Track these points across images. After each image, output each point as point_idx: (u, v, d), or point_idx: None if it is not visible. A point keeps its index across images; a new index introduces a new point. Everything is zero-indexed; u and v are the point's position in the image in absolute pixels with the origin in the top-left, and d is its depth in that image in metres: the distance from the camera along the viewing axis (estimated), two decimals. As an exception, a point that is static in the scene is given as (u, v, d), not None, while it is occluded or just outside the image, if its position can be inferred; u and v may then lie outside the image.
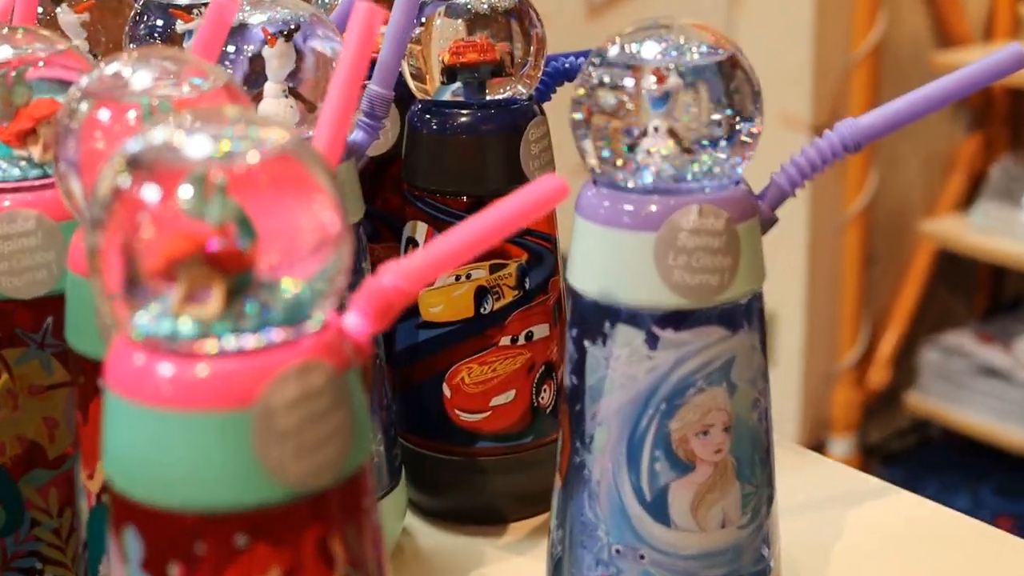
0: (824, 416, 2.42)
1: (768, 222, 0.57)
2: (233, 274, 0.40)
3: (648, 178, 0.54)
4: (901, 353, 2.45)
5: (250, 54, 0.63)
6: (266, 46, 0.63)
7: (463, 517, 0.74)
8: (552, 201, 0.47)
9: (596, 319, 0.56)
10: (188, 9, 0.72)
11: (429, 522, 0.75)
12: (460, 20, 0.69)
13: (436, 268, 0.45)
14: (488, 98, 0.70)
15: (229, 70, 0.62)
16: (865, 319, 2.39)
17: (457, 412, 0.72)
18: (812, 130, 2.22)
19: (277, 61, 0.63)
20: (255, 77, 0.63)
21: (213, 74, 0.51)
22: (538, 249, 0.71)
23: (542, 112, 0.71)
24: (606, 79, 0.55)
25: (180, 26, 0.73)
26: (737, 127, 0.55)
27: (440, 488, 0.74)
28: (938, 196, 2.43)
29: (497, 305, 0.70)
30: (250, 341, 0.40)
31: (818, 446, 2.42)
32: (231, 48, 0.62)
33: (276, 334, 0.40)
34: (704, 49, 0.55)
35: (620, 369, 0.55)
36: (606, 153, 0.55)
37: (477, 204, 0.69)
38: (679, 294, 0.54)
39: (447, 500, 0.74)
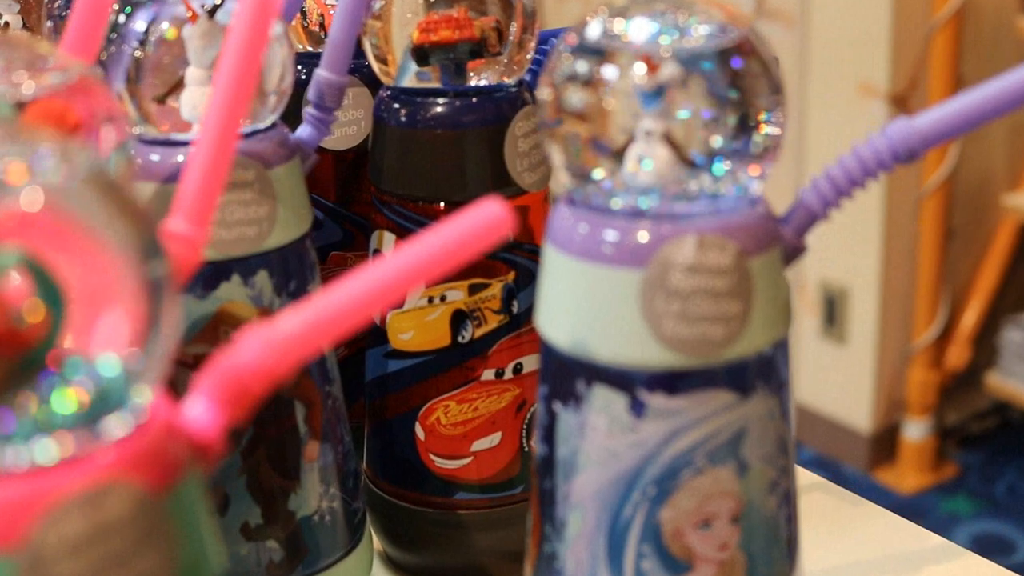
0: (899, 397, 2.31)
1: (793, 251, 0.45)
2: (11, 359, 0.29)
3: (637, 198, 0.42)
4: (981, 332, 2.32)
5: (166, 33, 0.51)
6: (187, 24, 0.51)
7: (442, 576, 0.63)
8: (490, 235, 0.36)
9: (568, 376, 0.44)
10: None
11: (405, 579, 0.64)
12: (430, -10, 0.57)
13: (319, 335, 0.33)
14: (469, 85, 0.57)
15: (139, 51, 0.51)
16: (943, 296, 2.26)
17: (432, 457, 0.60)
18: (890, 100, 2.08)
19: (200, 41, 0.51)
20: (174, 61, 0.51)
21: (71, 68, 0.40)
22: (528, 265, 0.59)
23: (534, 100, 0.59)
24: (580, 69, 0.43)
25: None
26: (753, 131, 0.42)
27: (415, 543, 0.63)
28: (1023, 168, 2.28)
29: (478, 332, 0.58)
30: (23, 455, 0.28)
31: (892, 428, 2.31)
32: (140, 26, 0.51)
33: (63, 443, 0.29)
34: (711, 29, 0.43)
35: (598, 441, 0.43)
36: (580, 166, 0.43)
37: (454, 212, 0.57)
38: (672, 349, 0.41)
39: (423, 557, 0.63)
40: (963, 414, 2.43)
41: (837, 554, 0.65)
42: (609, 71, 0.42)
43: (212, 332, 0.52)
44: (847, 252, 2.24)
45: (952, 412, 2.40)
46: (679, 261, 0.41)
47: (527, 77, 0.60)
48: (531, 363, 0.60)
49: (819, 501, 0.70)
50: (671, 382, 0.42)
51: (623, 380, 0.42)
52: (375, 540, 0.64)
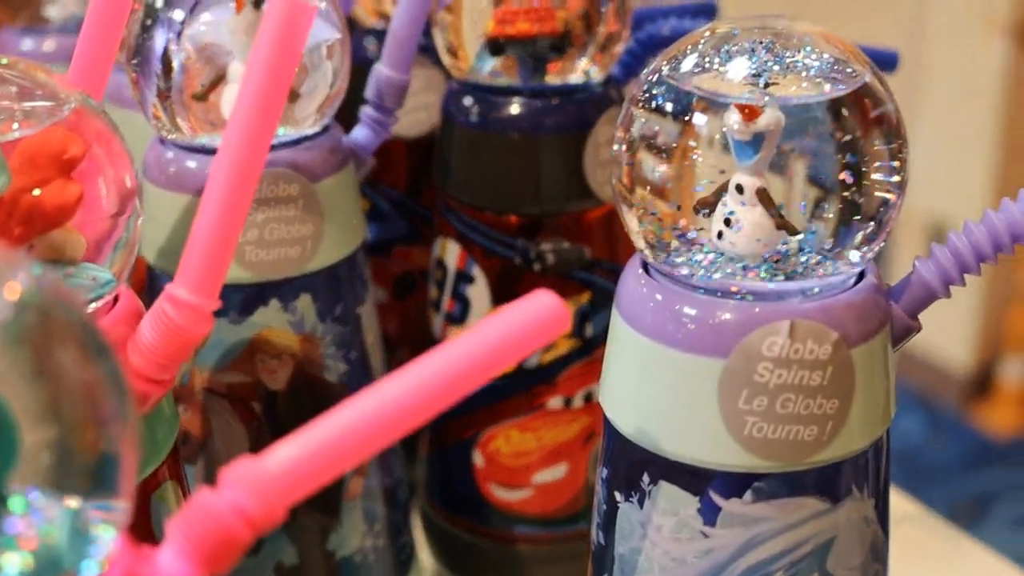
0: (998, 335, 2.23)
1: (905, 332, 0.38)
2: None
3: (722, 270, 0.36)
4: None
5: (208, 25, 0.45)
6: (232, 14, 0.45)
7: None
8: (543, 337, 0.30)
9: (633, 466, 0.38)
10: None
11: (460, 606, 0.59)
12: (509, -23, 0.50)
13: (325, 469, 0.28)
14: (549, 82, 0.51)
15: (176, 44, 0.45)
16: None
17: (491, 487, 0.55)
18: (1014, 34, 1.97)
19: (245, 35, 0.45)
20: (216, 55, 0.46)
21: (65, 99, 0.34)
22: (605, 285, 0.52)
23: (621, 99, 0.52)
24: (656, 126, 0.36)
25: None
26: (866, 192, 0.36)
27: (470, 572, 0.57)
28: None
29: (547, 357, 0.53)
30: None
31: (990, 367, 2.24)
32: (178, 16, 0.45)
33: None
34: (822, 69, 0.36)
35: (662, 545, 0.37)
36: (657, 233, 0.37)
37: (527, 226, 0.51)
38: (753, 452, 0.35)
39: (479, 586, 0.58)
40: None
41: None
42: (699, 119, 0.36)
43: (248, 361, 0.47)
44: (955, 182, 2.16)
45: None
46: (768, 352, 0.35)
47: (616, 71, 0.53)
48: (604, 392, 0.54)
49: (912, 536, 0.64)
50: (751, 486, 0.36)
51: (695, 480, 0.37)
52: (434, 564, 0.59)
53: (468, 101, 0.52)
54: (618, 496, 0.38)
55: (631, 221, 0.37)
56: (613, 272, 0.52)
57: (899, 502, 0.67)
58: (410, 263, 0.61)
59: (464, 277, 0.53)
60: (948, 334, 2.26)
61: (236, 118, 0.33)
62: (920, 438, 2.21)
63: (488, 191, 0.51)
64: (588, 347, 0.53)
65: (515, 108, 0.51)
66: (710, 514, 0.36)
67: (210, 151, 0.46)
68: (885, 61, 0.54)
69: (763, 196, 0.36)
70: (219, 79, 0.46)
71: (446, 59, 0.52)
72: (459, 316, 0.53)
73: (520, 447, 0.54)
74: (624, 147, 0.37)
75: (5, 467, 0.24)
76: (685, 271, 0.36)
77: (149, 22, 0.45)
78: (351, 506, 0.49)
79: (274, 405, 0.47)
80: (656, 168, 0.36)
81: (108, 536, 0.25)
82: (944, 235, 0.38)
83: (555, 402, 0.53)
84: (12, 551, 0.24)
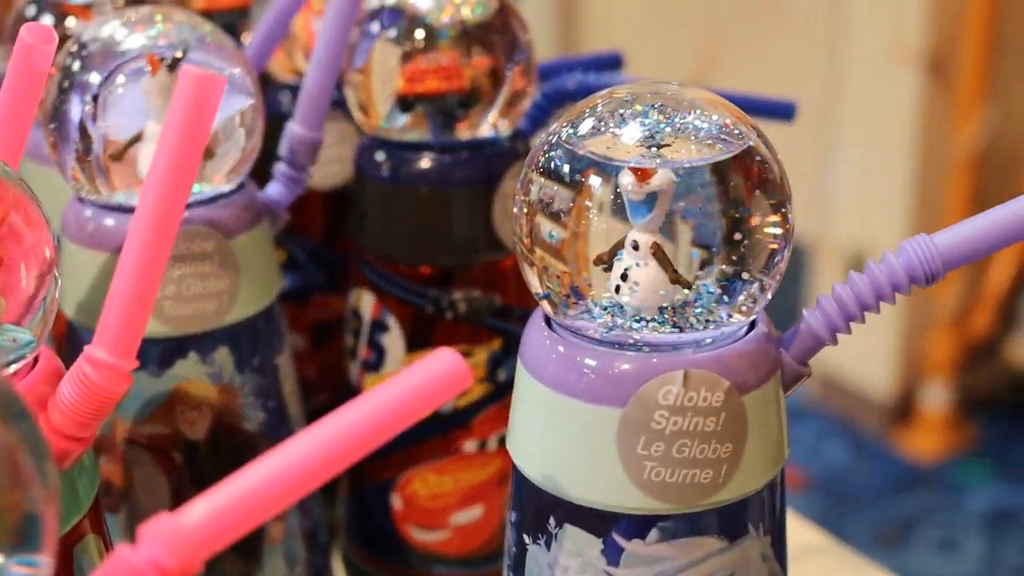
0: (919, 361, 2.27)
1: (794, 378, 0.40)
2: None
3: (620, 323, 0.38)
4: (1005, 300, 2.28)
5: (123, 87, 0.47)
6: (146, 77, 0.47)
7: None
8: (446, 396, 0.32)
9: (539, 510, 0.39)
10: (87, 8, 0.56)
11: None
12: (416, 36, 0.52)
13: (240, 523, 0.29)
14: (458, 137, 0.53)
15: (92, 106, 0.46)
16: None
17: (409, 528, 0.56)
18: (925, 66, 2.02)
19: (160, 96, 0.47)
20: (131, 115, 0.47)
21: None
22: (516, 332, 0.54)
23: (527, 154, 0.54)
24: (550, 191, 0.38)
25: (75, 26, 0.57)
26: (753, 248, 0.38)
27: (391, 613, 0.59)
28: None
29: (461, 402, 0.54)
30: None
31: (911, 394, 2.28)
32: (94, 79, 0.46)
33: None
34: (712, 131, 0.38)
35: None
36: (556, 290, 0.38)
37: (439, 276, 0.53)
38: (652, 496, 0.37)
39: (400, 626, 0.59)
40: (984, 382, 2.39)
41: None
42: (593, 181, 0.37)
43: (168, 412, 0.48)
44: (873, 211, 2.20)
45: (973, 380, 2.36)
46: (663, 401, 0.37)
47: (524, 125, 0.55)
48: (517, 435, 0.55)
49: (830, 568, 0.67)
50: (651, 528, 0.38)
51: (598, 522, 0.38)
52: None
53: (380, 156, 0.53)
54: (527, 539, 0.40)
55: (532, 279, 0.39)
56: (524, 319, 0.53)
57: (807, 532, 0.69)
58: (327, 311, 0.63)
59: (379, 326, 0.54)
60: (870, 361, 2.30)
61: (150, 184, 0.34)
62: (844, 464, 2.24)
63: (400, 243, 0.53)
64: (500, 392, 0.55)
65: (425, 163, 0.52)
66: (613, 555, 0.38)
67: (127, 209, 0.47)
68: (782, 111, 0.56)
69: (658, 252, 0.37)
70: (135, 139, 0.47)
71: (357, 116, 0.53)
72: (375, 363, 0.55)
73: (437, 489, 0.55)
74: (524, 209, 0.38)
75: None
76: (584, 325, 0.38)
77: (66, 84, 0.46)
78: (272, 551, 0.51)
79: (195, 455, 0.49)
80: (553, 230, 0.38)
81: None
82: (863, 263, 0.39)
83: (470, 445, 0.55)
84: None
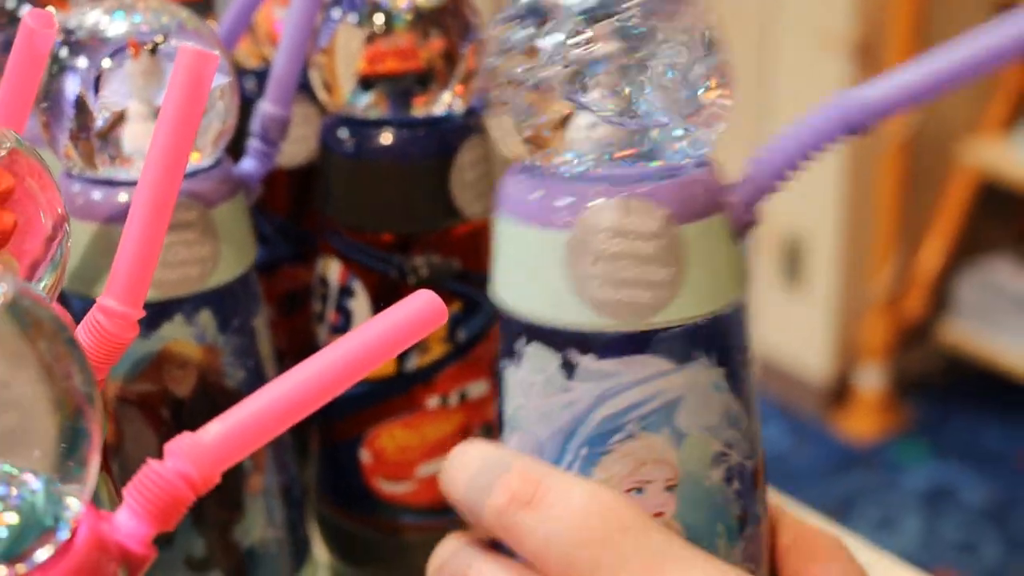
0: (854, 345, 2.32)
1: (744, 224, 0.44)
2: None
3: (581, 163, 0.42)
4: (938, 282, 2.34)
5: (108, 68, 0.51)
6: (129, 60, 0.51)
7: (389, 594, 0.64)
8: (427, 327, 0.36)
9: (511, 335, 0.44)
10: (61, -4, 0.60)
11: (353, 595, 0.64)
12: (376, 21, 0.56)
13: (250, 440, 0.33)
14: (416, 114, 0.57)
15: (81, 88, 0.50)
16: (900, 245, 2.26)
17: (378, 481, 0.60)
18: (853, 52, 2.08)
19: (143, 79, 0.51)
20: (117, 95, 0.51)
21: (1, 140, 0.39)
22: (473, 295, 0.59)
23: (481, 129, 0.59)
24: (516, 35, 0.42)
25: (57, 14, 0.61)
26: (696, 90, 0.42)
27: (363, 564, 0.63)
28: (981, 118, 2.28)
29: (424, 361, 0.59)
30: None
31: (847, 376, 2.33)
32: (82, 63, 0.50)
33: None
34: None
35: (535, 400, 0.43)
36: (524, 137, 0.42)
37: (401, 243, 0.57)
38: (598, 312, 0.41)
39: (370, 575, 0.63)
40: (917, 363, 2.45)
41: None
42: (551, 38, 0.41)
43: (156, 371, 0.52)
44: (807, 201, 2.25)
45: (907, 361, 2.41)
46: (603, 224, 0.41)
47: (476, 103, 0.59)
48: (476, 390, 0.60)
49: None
50: (600, 345, 0.42)
51: (556, 340, 0.42)
52: (326, 555, 0.64)
53: (343, 133, 0.57)
54: (503, 363, 0.44)
55: (499, 128, 0.43)
56: (482, 283, 0.58)
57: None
58: (295, 282, 0.67)
59: (346, 291, 0.58)
60: (806, 345, 2.35)
61: (153, 153, 0.38)
62: (783, 446, 2.29)
63: (364, 213, 0.57)
64: (460, 350, 0.59)
65: (386, 138, 0.57)
66: (569, 370, 0.42)
67: (112, 183, 0.51)
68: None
69: (616, 94, 0.41)
70: (119, 118, 0.51)
71: (322, 95, 0.58)
72: (342, 327, 0.59)
73: (403, 443, 0.59)
74: (492, 65, 0.42)
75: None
76: (551, 167, 0.42)
77: (56, 69, 0.50)
78: (253, 499, 0.55)
79: (180, 411, 0.53)
80: (521, 81, 0.42)
81: (76, 502, 0.31)
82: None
83: (433, 401, 0.59)
84: (2, 514, 0.29)
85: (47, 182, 0.40)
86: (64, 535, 0.30)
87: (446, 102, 0.57)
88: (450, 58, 0.56)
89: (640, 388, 0.42)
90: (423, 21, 0.56)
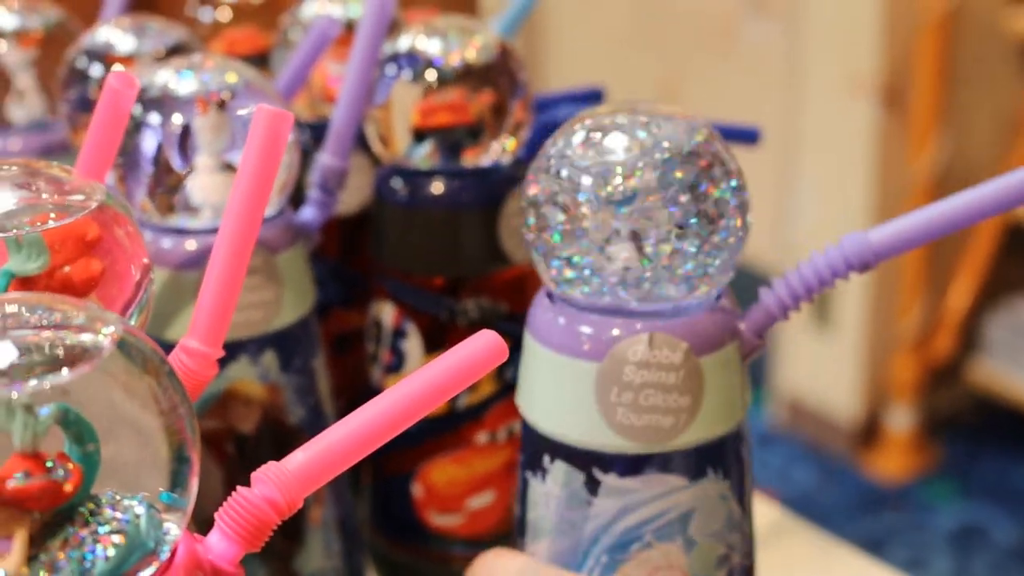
0: (884, 385, 2.33)
1: (752, 348, 0.48)
2: (45, 511, 0.32)
3: (608, 296, 0.46)
4: (967, 322, 2.35)
5: (179, 125, 0.54)
6: (198, 116, 0.54)
7: (440, 622, 0.66)
8: (489, 364, 0.39)
9: (538, 450, 0.48)
10: (129, 58, 0.63)
11: (404, 624, 0.67)
12: (429, 76, 0.59)
13: (329, 468, 0.36)
14: (466, 164, 0.60)
15: (152, 143, 0.53)
16: (929, 285, 2.28)
17: (429, 514, 0.63)
18: (881, 96, 2.10)
19: (211, 133, 0.54)
20: (186, 151, 0.54)
21: (91, 192, 0.43)
22: (520, 335, 0.61)
23: (527, 178, 0.62)
24: (553, 186, 0.46)
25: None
26: (715, 231, 0.46)
27: (413, 593, 0.66)
28: (1007, 156, 2.30)
29: (473, 399, 0.62)
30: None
31: (876, 416, 2.33)
32: (155, 119, 0.53)
33: (99, 588, 0.32)
34: (674, 135, 0.46)
35: (558, 511, 0.48)
36: (560, 270, 0.46)
37: (451, 287, 0.60)
38: (623, 436, 0.46)
39: (421, 605, 0.66)
40: (947, 403, 2.45)
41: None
42: (583, 187, 0.45)
43: (222, 409, 0.55)
44: (834, 242, 2.26)
45: (937, 401, 2.42)
46: (631, 357, 0.45)
47: (523, 152, 0.62)
48: (523, 427, 0.63)
49: (798, 545, 0.74)
50: (622, 465, 0.46)
51: (581, 459, 0.47)
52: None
53: (397, 183, 0.61)
54: (528, 474, 0.49)
55: (539, 262, 0.47)
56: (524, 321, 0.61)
57: (772, 513, 0.76)
58: (345, 325, 0.70)
59: (399, 333, 0.61)
60: (835, 386, 2.36)
61: (233, 204, 0.41)
62: (812, 486, 2.30)
63: (417, 258, 0.61)
64: (508, 389, 0.62)
65: (437, 187, 0.60)
66: (593, 486, 0.47)
67: (181, 231, 0.54)
68: (747, 136, 0.64)
69: (635, 237, 0.45)
70: (189, 171, 0.54)
71: (378, 147, 0.61)
72: (396, 367, 0.62)
73: (454, 477, 0.62)
74: (530, 203, 0.47)
75: (92, 472, 0.32)
76: (579, 297, 0.46)
77: (131, 126, 0.53)
78: (313, 530, 0.58)
79: (244, 446, 0.56)
80: (556, 219, 0.46)
81: (175, 527, 0.34)
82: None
83: (482, 437, 0.62)
84: (109, 535, 0.32)
85: (133, 231, 0.43)
86: (164, 555, 0.33)
87: (494, 153, 0.60)
88: (499, 111, 0.59)
89: (657, 503, 0.47)
90: (473, 77, 0.59)
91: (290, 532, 0.57)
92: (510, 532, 0.64)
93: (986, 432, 2.46)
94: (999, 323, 2.34)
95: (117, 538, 0.32)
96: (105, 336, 0.32)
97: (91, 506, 0.32)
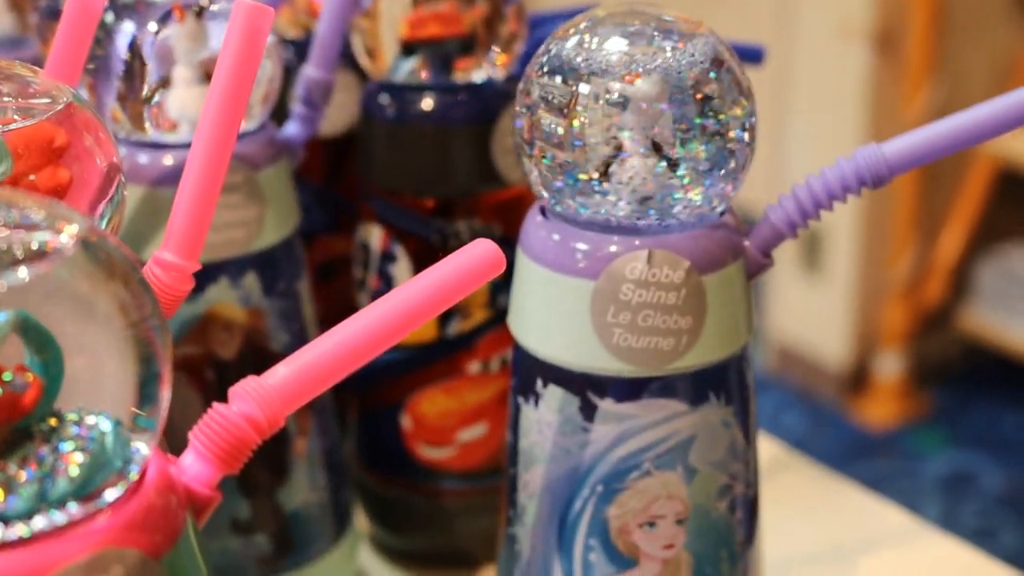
0: (874, 332, 2.31)
1: (758, 267, 0.45)
2: (2, 426, 0.29)
3: (606, 210, 0.43)
4: (957, 269, 2.33)
5: (154, 33, 0.51)
6: (174, 23, 0.51)
7: (429, 559, 0.64)
8: (485, 275, 0.36)
9: (530, 374, 0.46)
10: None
11: (393, 561, 0.64)
12: (419, -15, 0.56)
13: (313, 384, 0.33)
14: (457, 79, 0.57)
15: (127, 53, 0.50)
16: (920, 231, 2.26)
17: (419, 447, 0.61)
18: (873, 41, 2.07)
19: (188, 42, 0.51)
20: (162, 61, 0.51)
21: (57, 94, 0.40)
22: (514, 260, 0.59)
23: (522, 94, 0.59)
24: (552, 90, 0.43)
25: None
26: (724, 140, 0.43)
27: (402, 529, 0.63)
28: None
29: (465, 326, 0.59)
30: (20, 527, 0.29)
31: (866, 363, 2.32)
32: (127, 28, 0.50)
33: (61, 512, 0.29)
34: (679, 41, 0.43)
35: (552, 438, 0.45)
36: (554, 179, 0.44)
37: (442, 208, 0.57)
38: (620, 359, 0.43)
39: (411, 542, 0.64)
40: (936, 350, 2.44)
41: (812, 535, 0.66)
42: (585, 89, 0.42)
43: (201, 334, 0.52)
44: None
45: (925, 348, 2.41)
46: (629, 275, 0.42)
47: (516, 68, 0.59)
48: (517, 356, 0.60)
49: (796, 481, 0.71)
50: (620, 389, 0.43)
51: (576, 383, 0.44)
52: (365, 523, 0.65)
53: (385, 99, 0.58)
54: (520, 400, 0.46)
55: (533, 175, 0.44)
56: (521, 247, 0.58)
57: (774, 451, 0.74)
58: (331, 251, 0.67)
59: (387, 257, 0.59)
60: (825, 332, 2.34)
61: (210, 105, 0.38)
62: (802, 432, 2.29)
63: (407, 178, 0.58)
64: (501, 317, 0.59)
65: (427, 103, 0.57)
66: (588, 411, 0.44)
67: (158, 146, 0.51)
68: (751, 55, 0.61)
69: (655, 143, 0.42)
70: (164, 82, 0.51)
71: (364, 61, 0.58)
72: (384, 292, 0.59)
73: (444, 408, 0.60)
74: (524, 109, 0.44)
75: (55, 385, 0.30)
76: (573, 212, 0.43)
77: (103, 34, 0.50)
78: (297, 463, 0.55)
79: (225, 373, 0.53)
80: (554, 124, 0.43)
81: (144, 445, 0.31)
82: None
83: (474, 367, 0.59)
84: (72, 452, 0.29)
85: (104, 137, 0.40)
86: (133, 476, 0.31)
87: (487, 67, 0.57)
88: (492, 23, 0.56)
89: (656, 429, 0.44)
90: (465, -14, 0.56)
91: (273, 464, 0.54)
92: (502, 466, 0.61)
93: (976, 379, 2.45)
94: (990, 270, 2.33)
95: (80, 456, 0.30)
96: (68, 236, 0.30)
97: (53, 422, 0.30)
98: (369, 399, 0.61)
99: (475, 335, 0.59)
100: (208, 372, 0.53)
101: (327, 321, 0.67)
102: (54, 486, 0.29)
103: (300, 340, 0.55)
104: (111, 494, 0.30)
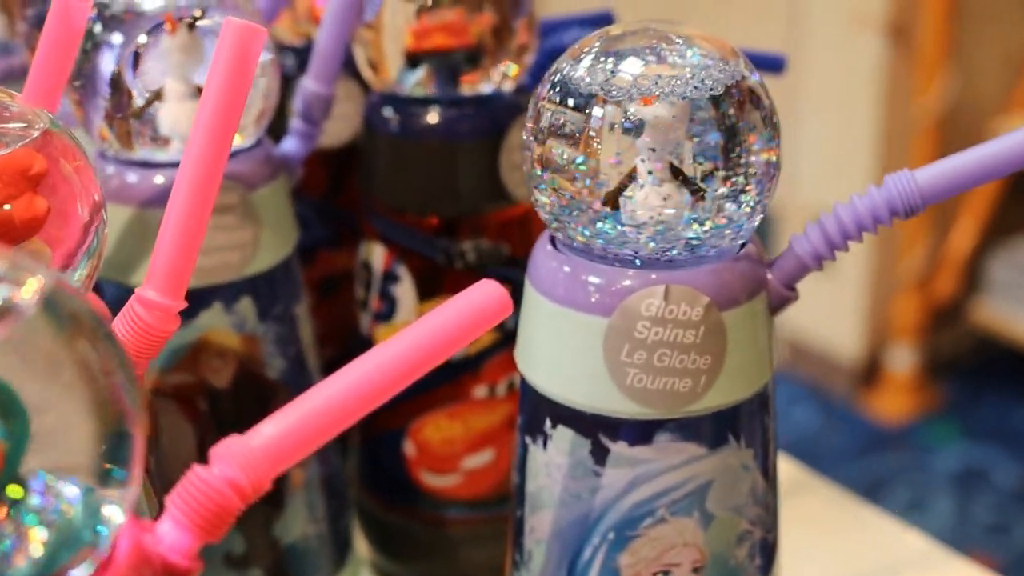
0: (886, 325, 2.29)
1: (781, 300, 0.42)
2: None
3: (618, 244, 0.40)
4: (970, 262, 2.31)
5: (144, 45, 0.48)
6: (165, 36, 0.48)
7: (433, 589, 0.61)
8: (488, 323, 0.34)
9: (537, 412, 0.43)
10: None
11: (394, 590, 0.62)
12: (424, -5, 0.53)
13: (304, 443, 0.31)
14: (464, 92, 0.54)
15: (115, 66, 0.48)
16: (933, 225, 2.24)
17: (422, 474, 0.58)
18: (887, 32, 2.04)
19: (180, 55, 0.48)
20: (153, 73, 0.48)
21: (32, 119, 0.37)
22: (522, 281, 0.56)
23: (532, 107, 0.56)
24: (563, 115, 0.40)
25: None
26: (747, 167, 0.40)
27: (405, 557, 0.61)
28: (1013, 96, 2.25)
29: (471, 349, 0.56)
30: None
31: (878, 357, 2.30)
32: (116, 39, 0.48)
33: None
34: (703, 63, 0.40)
35: (561, 482, 0.42)
36: (561, 209, 0.41)
37: (447, 226, 0.55)
38: (634, 400, 0.40)
39: (413, 570, 0.61)
40: (948, 344, 2.42)
41: (831, 560, 0.64)
42: (599, 114, 0.40)
43: (193, 361, 0.50)
44: (839, 180, 2.22)
45: (938, 342, 2.39)
46: (645, 312, 0.39)
47: (526, 80, 0.57)
48: (525, 380, 0.57)
49: (812, 504, 0.69)
50: (634, 431, 0.41)
51: (587, 424, 0.41)
52: (369, 552, 0.62)
53: (389, 112, 0.55)
54: (528, 440, 0.43)
55: (543, 204, 0.41)
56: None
57: (795, 473, 0.71)
58: (332, 267, 0.64)
59: (390, 277, 0.56)
60: (837, 326, 2.32)
61: (197, 132, 0.36)
62: (813, 427, 2.27)
63: (410, 195, 0.55)
64: (509, 339, 0.56)
65: (433, 117, 0.54)
66: (600, 455, 0.41)
67: (149, 165, 0.49)
68: (771, 64, 0.58)
69: (671, 169, 0.39)
70: (155, 97, 0.48)
71: (367, 73, 0.55)
72: (386, 314, 0.56)
73: (449, 434, 0.57)
74: (532, 137, 0.41)
75: (19, 450, 0.27)
76: (586, 243, 0.40)
77: (90, 46, 0.48)
78: (294, 494, 0.52)
79: (219, 402, 0.50)
80: (565, 154, 0.40)
81: (118, 512, 0.28)
82: None
83: (480, 391, 0.57)
84: (35, 527, 0.27)
85: (83, 165, 0.37)
86: (104, 549, 0.28)
87: (495, 80, 0.54)
88: (500, 33, 0.54)
89: (672, 473, 0.41)
90: (473, -5, 0.53)
91: (268, 496, 0.51)
92: (509, 494, 0.58)
93: (988, 373, 2.43)
94: (1002, 264, 2.31)
95: (44, 532, 0.27)
96: (29, 292, 0.27)
97: (17, 491, 0.27)
98: (371, 423, 0.59)
99: (481, 358, 0.56)
100: (201, 402, 0.50)
101: (329, 340, 0.65)
102: (13, 567, 0.26)
103: (297, 367, 0.52)
104: (79, 572, 0.27)
